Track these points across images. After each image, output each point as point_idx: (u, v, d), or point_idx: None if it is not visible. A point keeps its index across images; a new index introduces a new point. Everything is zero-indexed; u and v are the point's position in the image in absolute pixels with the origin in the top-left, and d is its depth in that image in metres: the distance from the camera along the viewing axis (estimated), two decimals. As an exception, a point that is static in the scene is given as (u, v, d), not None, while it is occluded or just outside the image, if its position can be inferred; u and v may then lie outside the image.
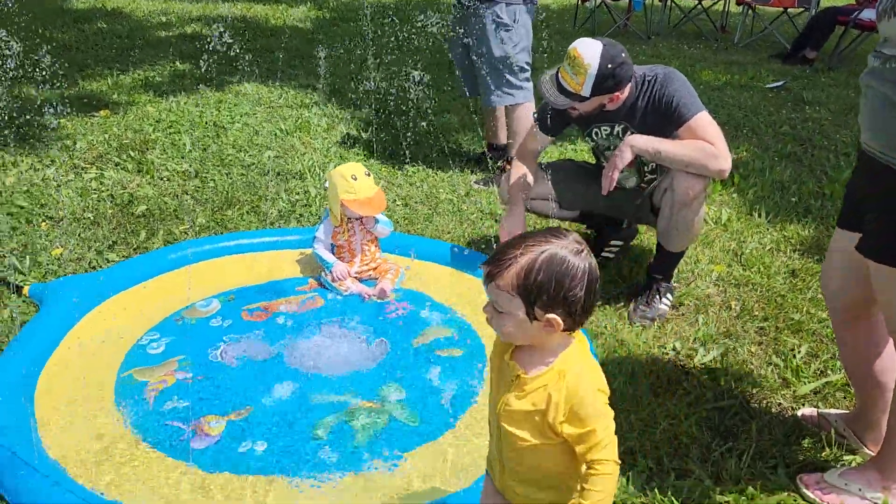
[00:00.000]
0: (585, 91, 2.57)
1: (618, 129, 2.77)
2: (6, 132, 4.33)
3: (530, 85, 3.95)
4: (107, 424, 2.15)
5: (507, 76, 3.85)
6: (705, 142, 2.55)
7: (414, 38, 7.46)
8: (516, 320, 1.35)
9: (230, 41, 7.20)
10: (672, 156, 2.58)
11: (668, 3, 9.08)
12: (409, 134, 4.71)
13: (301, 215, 3.66)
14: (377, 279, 3.00)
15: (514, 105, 3.94)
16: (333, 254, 2.98)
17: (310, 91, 5.78)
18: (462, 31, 3.88)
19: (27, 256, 3.05)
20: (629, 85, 2.64)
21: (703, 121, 2.57)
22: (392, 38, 7.48)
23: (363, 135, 4.82)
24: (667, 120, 2.61)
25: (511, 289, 1.33)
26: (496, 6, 3.78)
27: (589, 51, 2.53)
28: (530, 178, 2.94)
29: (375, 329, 2.69)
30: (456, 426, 2.19)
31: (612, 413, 1.36)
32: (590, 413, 1.34)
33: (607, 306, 2.86)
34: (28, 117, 4.58)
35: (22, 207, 3.50)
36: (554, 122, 2.87)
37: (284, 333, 2.63)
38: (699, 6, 8.98)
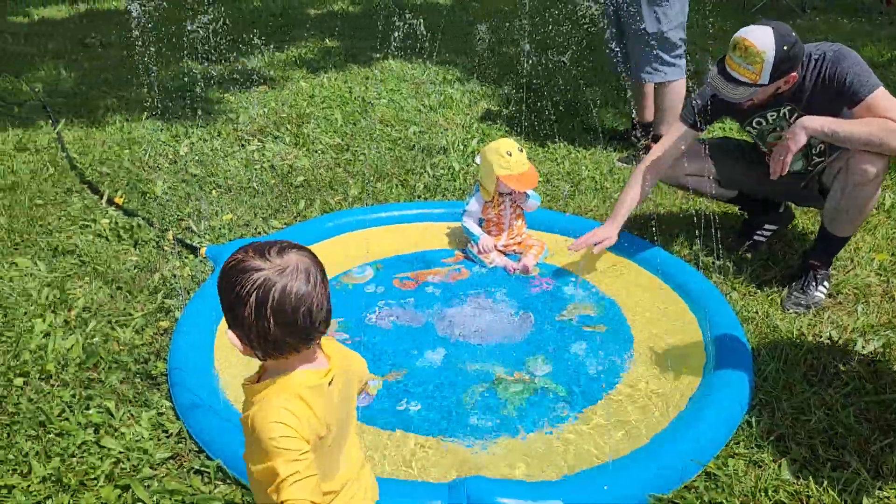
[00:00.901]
0: (764, 79, 2.50)
1: (784, 111, 2.68)
2: (179, 105, 4.71)
3: (683, 62, 3.86)
4: (277, 377, 2.34)
5: (660, 52, 3.79)
6: (886, 119, 2.43)
7: (559, 11, 7.40)
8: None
9: (375, 17, 7.42)
10: (850, 135, 2.47)
11: (828, -28, 8.50)
12: (551, 109, 4.72)
13: (446, 189, 3.77)
14: (521, 254, 3.07)
15: (665, 82, 3.86)
16: (482, 227, 3.07)
17: (452, 67, 5.88)
18: (616, 5, 3.84)
19: (202, 221, 3.34)
20: (801, 63, 2.54)
21: (883, 97, 2.45)
22: (536, 13, 7.46)
23: (505, 110, 4.88)
24: (839, 99, 2.50)
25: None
26: (652, -19, 3.71)
27: (760, 38, 2.46)
28: (650, 179, 2.90)
29: (520, 302, 2.76)
30: (603, 400, 2.23)
31: (298, 450, 1.17)
32: (267, 447, 1.16)
33: (758, 291, 2.79)
34: (197, 92, 4.95)
35: (195, 176, 3.81)
36: (706, 116, 2.79)
37: (433, 302, 2.76)
38: (863, -25, 8.35)
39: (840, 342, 2.48)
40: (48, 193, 3.54)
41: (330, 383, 1.27)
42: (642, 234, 3.13)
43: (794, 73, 2.53)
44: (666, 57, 3.79)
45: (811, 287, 2.71)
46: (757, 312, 2.64)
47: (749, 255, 3.04)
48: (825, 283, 2.74)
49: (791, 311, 2.65)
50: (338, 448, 1.33)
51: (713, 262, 2.94)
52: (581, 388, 2.28)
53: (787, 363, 2.35)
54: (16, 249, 3.09)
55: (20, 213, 3.34)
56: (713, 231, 2.97)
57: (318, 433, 1.23)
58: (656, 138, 4.00)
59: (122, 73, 5.47)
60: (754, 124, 2.79)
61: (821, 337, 2.51)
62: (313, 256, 1.25)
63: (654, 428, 2.10)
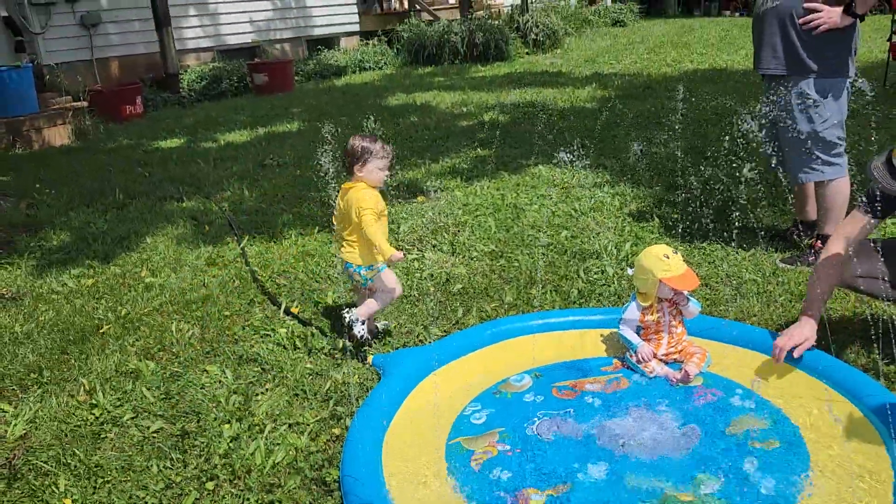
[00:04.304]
0: None
1: None
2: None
3: (843, 160, 3.74)
4: (442, 489, 2.41)
5: (817, 152, 3.69)
6: None
7: (705, 109, 7.39)
8: None
9: (524, 125, 7.72)
10: None
11: None
12: (706, 210, 4.66)
13: (600, 294, 3.79)
14: (682, 362, 3.01)
15: (825, 181, 3.74)
16: (639, 335, 3.05)
17: (601, 170, 5.98)
18: (769, 103, 3.82)
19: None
20: None
21: None
22: (681, 113, 7.48)
23: (657, 212, 4.87)
24: None
25: None
26: (804, 81, 3.67)
27: None
28: (840, 265, 2.77)
29: (684, 414, 2.70)
30: (779, 524, 2.12)
31: None
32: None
33: (952, 405, 2.56)
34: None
35: (361, 285, 4.08)
36: (885, 206, 2.70)
37: (594, 413, 2.75)
38: None
39: None
40: (234, 305, 3.92)
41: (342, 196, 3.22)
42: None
43: None
44: (823, 156, 3.69)
45: None
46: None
47: (938, 364, 2.81)
48: None
49: None
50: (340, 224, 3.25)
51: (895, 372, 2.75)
52: (754, 510, 2.18)
53: None
54: (206, 357, 3.42)
55: (210, 324, 3.71)
56: (893, 337, 2.79)
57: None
58: (822, 238, 3.85)
59: (296, 190, 6.00)
60: None
61: None
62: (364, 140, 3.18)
63: (841, 558, 1.96)
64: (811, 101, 3.65)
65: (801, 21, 3.60)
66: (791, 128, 3.72)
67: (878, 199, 2.68)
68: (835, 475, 2.30)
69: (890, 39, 8.29)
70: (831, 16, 3.54)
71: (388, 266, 3.28)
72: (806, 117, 3.68)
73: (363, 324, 3.28)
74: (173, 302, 4.00)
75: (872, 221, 2.78)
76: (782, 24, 3.68)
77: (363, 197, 3.10)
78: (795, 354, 2.78)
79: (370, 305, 3.31)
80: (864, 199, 2.77)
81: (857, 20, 3.57)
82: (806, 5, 3.59)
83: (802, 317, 2.82)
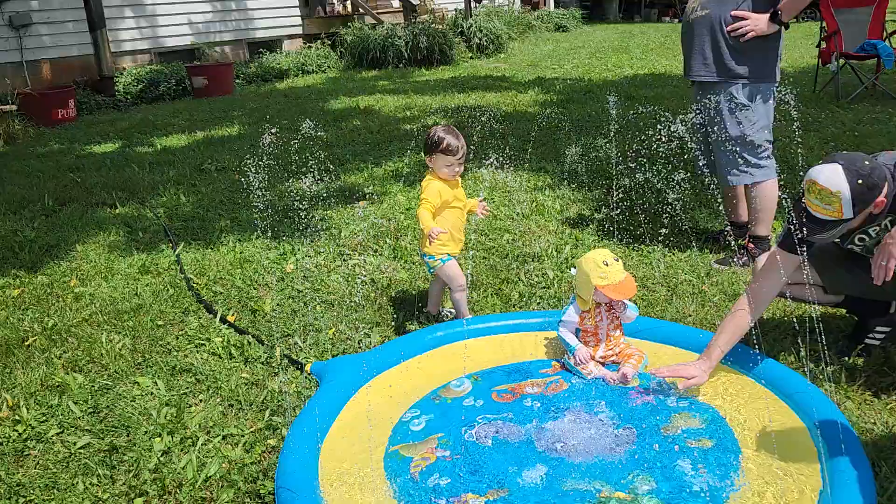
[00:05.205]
0: (847, 214, 2.47)
1: (885, 222, 2.61)
2: (286, 224, 5.01)
3: (771, 162, 3.84)
4: (380, 498, 2.37)
5: (746, 155, 3.79)
6: None
7: (642, 115, 7.51)
8: None
9: (467, 129, 7.73)
10: None
11: (928, 55, 8.28)
12: (643, 213, 4.73)
13: (541, 297, 3.81)
14: (620, 363, 3.04)
15: (754, 183, 3.84)
16: (578, 338, 3.07)
17: (542, 174, 6.02)
18: (699, 109, 3.90)
19: (307, 337, 3.49)
20: (886, 182, 2.49)
21: None
22: (620, 117, 7.60)
23: (596, 215, 4.93)
24: None
25: None
26: (732, 86, 3.76)
27: (831, 179, 2.43)
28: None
29: (621, 415, 2.72)
30: (711, 522, 2.14)
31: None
32: None
33: (875, 400, 2.65)
34: (302, 210, 5.27)
35: (300, 292, 4.01)
36: (802, 243, 2.72)
37: (532, 416, 2.75)
38: (966, 56, 8.09)
39: (973, 456, 2.31)
40: (168, 314, 3.81)
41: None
42: (745, 340, 3.04)
43: (880, 199, 2.47)
44: (751, 159, 3.79)
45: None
46: (875, 423, 2.51)
47: (861, 361, 2.90)
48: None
49: (914, 421, 2.50)
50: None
51: (823, 370, 2.82)
52: (688, 509, 2.21)
53: (913, 480, 2.21)
54: (138, 369, 3.32)
55: (143, 334, 3.60)
56: (820, 336, 2.87)
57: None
58: (754, 239, 3.95)
59: (235, 195, 5.89)
60: (857, 241, 2.72)
61: (950, 450, 2.35)
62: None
63: (770, 553, 2.00)
64: (740, 105, 3.74)
65: (728, 28, 3.69)
66: (721, 132, 3.81)
67: (795, 237, 2.64)
68: (764, 474, 2.34)
69: (819, 46, 8.58)
70: (758, 23, 3.64)
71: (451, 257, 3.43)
72: (735, 122, 3.77)
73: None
74: (104, 312, 3.87)
75: (796, 258, 2.72)
76: (712, 32, 3.77)
77: (423, 187, 3.31)
78: (681, 387, 2.77)
79: (459, 303, 3.50)
80: (784, 238, 2.74)
81: (782, 27, 3.68)
82: (733, 13, 3.68)
83: (702, 357, 2.81)
